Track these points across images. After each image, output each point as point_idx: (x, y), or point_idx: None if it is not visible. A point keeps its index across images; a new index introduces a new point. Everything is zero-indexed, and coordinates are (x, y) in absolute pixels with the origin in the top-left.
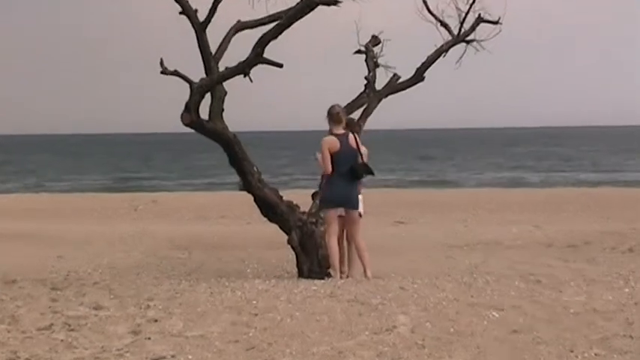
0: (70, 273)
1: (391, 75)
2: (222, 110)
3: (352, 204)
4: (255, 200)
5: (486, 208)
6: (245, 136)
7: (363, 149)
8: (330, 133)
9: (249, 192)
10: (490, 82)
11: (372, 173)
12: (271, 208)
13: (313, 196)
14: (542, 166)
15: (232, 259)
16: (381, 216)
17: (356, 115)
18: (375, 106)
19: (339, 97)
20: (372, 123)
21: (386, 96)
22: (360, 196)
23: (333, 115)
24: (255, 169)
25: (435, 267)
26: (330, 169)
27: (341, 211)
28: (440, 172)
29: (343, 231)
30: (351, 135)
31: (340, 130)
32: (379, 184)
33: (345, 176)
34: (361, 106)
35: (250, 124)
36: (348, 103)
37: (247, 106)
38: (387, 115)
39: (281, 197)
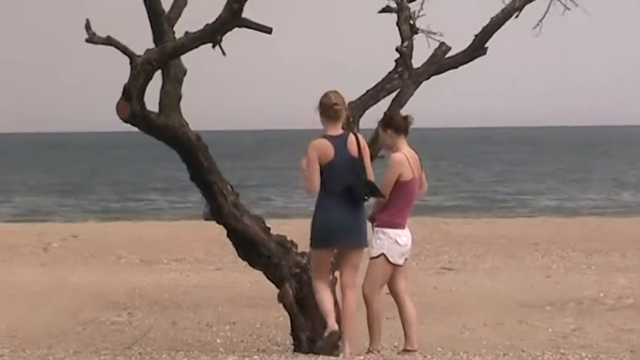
0: None
1: (436, 45)
2: (180, 98)
3: (355, 238)
4: (228, 234)
5: (580, 249)
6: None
7: (369, 167)
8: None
9: (219, 222)
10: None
11: (378, 194)
12: (254, 247)
13: None
14: None
15: (194, 323)
16: (420, 259)
17: (380, 106)
18: (412, 92)
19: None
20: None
21: (428, 77)
22: (370, 227)
23: (325, 107)
24: (228, 187)
25: (503, 337)
26: (316, 186)
27: (346, 248)
28: (498, 188)
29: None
30: (352, 137)
31: (337, 130)
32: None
33: (342, 197)
34: (390, 91)
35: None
36: (370, 90)
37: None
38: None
39: (268, 230)
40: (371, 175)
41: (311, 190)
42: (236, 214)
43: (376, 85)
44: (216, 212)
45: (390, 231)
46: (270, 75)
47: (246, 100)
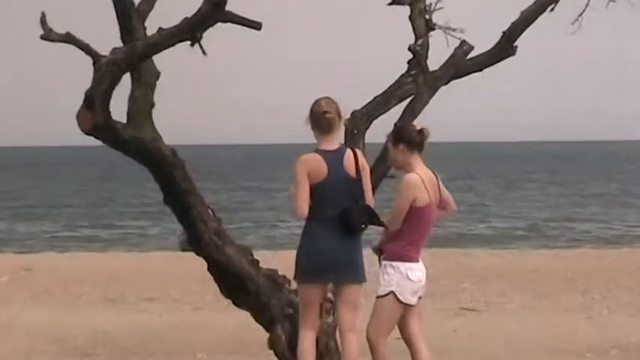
0: None
1: (456, 44)
2: (153, 106)
3: (349, 271)
4: (209, 268)
5: (626, 285)
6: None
7: (368, 185)
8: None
9: (198, 253)
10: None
11: (378, 223)
12: (239, 283)
13: None
14: None
15: None
16: (436, 298)
17: (390, 115)
18: (428, 100)
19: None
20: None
21: (447, 81)
22: (372, 260)
23: (315, 116)
24: (209, 212)
25: None
26: (304, 208)
27: (339, 284)
28: (530, 213)
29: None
30: (349, 153)
31: (331, 144)
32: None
33: (335, 224)
34: (402, 98)
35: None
36: (378, 96)
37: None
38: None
39: (256, 262)
40: (370, 199)
41: (298, 213)
42: (218, 244)
43: (385, 91)
44: (195, 242)
45: (400, 265)
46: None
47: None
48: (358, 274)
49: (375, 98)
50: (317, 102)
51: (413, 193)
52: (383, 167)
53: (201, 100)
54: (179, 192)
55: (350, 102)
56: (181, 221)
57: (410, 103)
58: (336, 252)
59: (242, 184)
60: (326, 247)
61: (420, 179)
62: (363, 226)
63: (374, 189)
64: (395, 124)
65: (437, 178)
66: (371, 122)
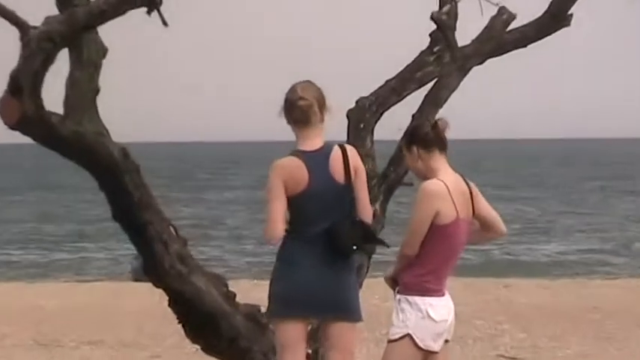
0: None
1: (493, 12)
2: (97, 92)
3: (337, 307)
4: (171, 303)
5: None
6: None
7: (363, 194)
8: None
9: (157, 284)
10: None
11: (375, 242)
12: (210, 322)
13: None
14: None
15: None
16: (467, 343)
17: (411, 101)
18: (457, 84)
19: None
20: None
21: (482, 60)
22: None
23: (289, 106)
24: (171, 230)
25: None
26: (279, 232)
27: (325, 322)
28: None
29: None
30: (336, 152)
31: (312, 142)
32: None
33: (318, 246)
34: (423, 82)
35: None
36: (391, 79)
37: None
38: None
39: (233, 296)
40: (366, 211)
41: (270, 236)
42: (182, 272)
43: (401, 73)
44: (152, 269)
45: (419, 300)
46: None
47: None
48: (350, 311)
49: (387, 82)
50: (292, 87)
51: (433, 206)
52: (397, 172)
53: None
54: (131, 204)
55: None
56: (134, 243)
57: (432, 88)
58: (322, 281)
59: (219, 191)
60: (308, 275)
61: (443, 187)
62: (355, 247)
63: (386, 199)
64: (412, 117)
65: (470, 188)
66: (382, 113)
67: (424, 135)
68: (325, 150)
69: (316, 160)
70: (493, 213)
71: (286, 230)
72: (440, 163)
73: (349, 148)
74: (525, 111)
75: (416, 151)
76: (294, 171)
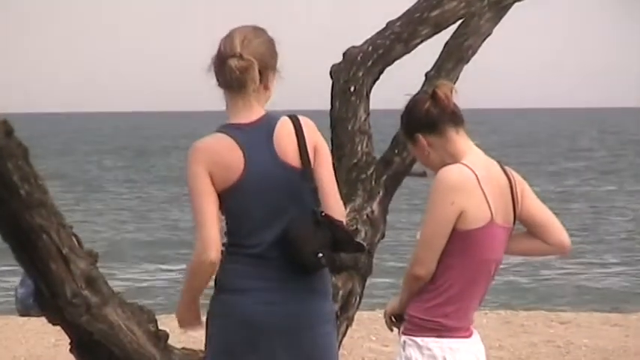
0: None
1: None
2: None
3: (302, 343)
4: (73, 346)
5: None
6: None
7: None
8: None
9: (53, 320)
10: None
11: (353, 249)
12: None
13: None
14: None
15: None
16: None
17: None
18: (490, 29)
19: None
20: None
21: None
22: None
23: (221, 64)
24: (73, 240)
25: None
26: (215, 246)
27: None
28: None
29: None
30: (284, 124)
31: (248, 114)
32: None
33: (269, 261)
34: (441, 26)
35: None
36: (394, 21)
37: None
38: None
39: (164, 338)
40: (336, 206)
41: (205, 255)
42: (90, 303)
43: (409, 13)
44: (47, 298)
45: (433, 343)
46: None
47: None
48: (320, 349)
49: (389, 25)
50: (229, 34)
51: (455, 203)
52: (402, 157)
53: None
54: (15, 203)
55: None
56: (20, 260)
57: (455, 35)
58: (278, 315)
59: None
60: (256, 307)
61: (469, 175)
62: (320, 256)
63: (388, 195)
64: (426, 76)
65: (511, 179)
66: (382, 71)
67: (425, 114)
68: (266, 122)
69: (254, 137)
70: (551, 217)
71: (224, 244)
72: (460, 143)
73: (304, 120)
74: None
75: (422, 139)
76: (221, 154)
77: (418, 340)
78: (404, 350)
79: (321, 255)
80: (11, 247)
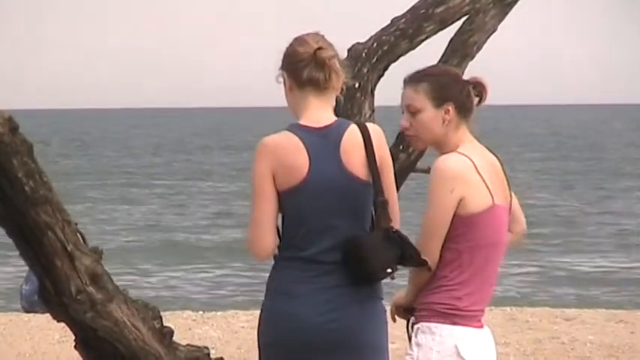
0: None
1: None
2: None
3: (358, 354)
4: (78, 343)
5: None
6: None
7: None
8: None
9: (58, 317)
10: None
11: (416, 263)
12: None
13: None
14: None
15: None
16: None
17: (429, 49)
18: (496, 25)
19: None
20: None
21: None
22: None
23: (302, 60)
24: (78, 237)
25: None
26: (268, 244)
27: None
28: None
29: None
30: (352, 131)
31: (320, 117)
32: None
33: (328, 267)
34: (446, 22)
35: None
36: (399, 18)
37: None
38: None
39: (169, 335)
40: (397, 219)
41: (257, 249)
42: (95, 299)
43: (414, 9)
44: (51, 295)
45: (445, 329)
46: None
47: None
48: (371, 351)
49: (394, 22)
50: (298, 39)
51: (455, 190)
52: (409, 153)
53: None
54: (21, 200)
55: None
56: (26, 257)
57: (460, 31)
58: (334, 319)
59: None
60: (308, 314)
61: (467, 162)
62: (389, 270)
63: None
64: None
65: (500, 160)
66: (387, 67)
67: (467, 94)
68: (335, 129)
69: (321, 142)
70: (518, 205)
71: (279, 247)
72: (464, 133)
73: (373, 129)
74: None
75: (445, 111)
76: (287, 153)
77: (432, 325)
78: (416, 337)
79: (390, 270)
80: (16, 244)
